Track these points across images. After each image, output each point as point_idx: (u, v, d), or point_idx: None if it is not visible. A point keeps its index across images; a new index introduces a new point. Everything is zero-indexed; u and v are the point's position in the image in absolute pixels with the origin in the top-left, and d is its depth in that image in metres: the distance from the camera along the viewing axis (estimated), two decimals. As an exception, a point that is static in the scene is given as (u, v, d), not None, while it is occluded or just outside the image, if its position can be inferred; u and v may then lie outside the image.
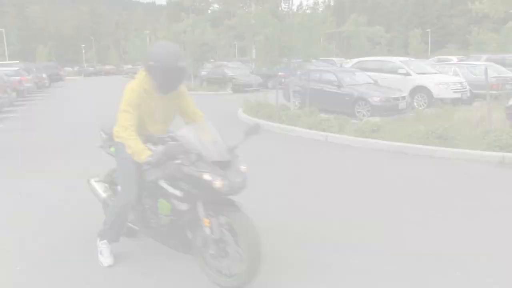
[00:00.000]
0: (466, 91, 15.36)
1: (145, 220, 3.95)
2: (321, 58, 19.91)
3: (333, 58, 31.79)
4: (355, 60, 19.13)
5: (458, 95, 14.96)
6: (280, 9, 13.45)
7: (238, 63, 29.29)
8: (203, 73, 27.59)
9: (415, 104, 14.67)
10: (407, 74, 15.56)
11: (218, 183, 3.25)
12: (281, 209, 5.55)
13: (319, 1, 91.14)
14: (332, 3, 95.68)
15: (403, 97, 13.43)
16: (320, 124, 10.73)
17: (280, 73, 16.31)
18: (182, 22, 27.60)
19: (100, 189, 4.48)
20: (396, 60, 17.44)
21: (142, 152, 3.45)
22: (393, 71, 15.93)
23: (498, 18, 9.57)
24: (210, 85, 25.96)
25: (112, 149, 4.13)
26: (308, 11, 14.44)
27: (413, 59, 20.10)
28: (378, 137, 9.50)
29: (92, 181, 4.57)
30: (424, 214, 5.32)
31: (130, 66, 61.43)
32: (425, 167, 7.76)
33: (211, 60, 28.34)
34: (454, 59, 29.37)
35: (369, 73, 15.40)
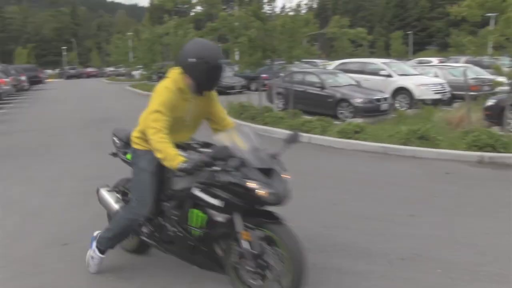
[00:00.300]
0: (447, 92, 15.56)
1: (165, 234, 3.62)
2: (304, 60, 19.98)
3: (316, 60, 31.94)
4: (338, 61, 19.26)
5: (438, 96, 15.13)
6: (262, 11, 13.42)
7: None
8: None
9: (396, 105, 14.81)
10: (389, 75, 15.71)
11: (264, 192, 2.99)
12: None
13: (302, 3, 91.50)
14: (315, 5, 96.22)
15: (385, 99, 13.55)
16: (303, 126, 10.77)
17: (263, 75, 16.32)
18: (165, 24, 27.45)
19: (111, 199, 4.10)
20: (378, 61, 17.60)
21: (175, 158, 3.09)
22: (375, 72, 16.08)
23: (476, 21, 9.74)
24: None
25: (128, 156, 3.88)
26: (291, 13, 14.42)
27: (394, 60, 20.28)
28: (361, 138, 9.56)
29: (103, 191, 4.19)
30: (405, 214, 5.36)
31: (112, 69, 60.96)
32: (407, 167, 7.84)
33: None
34: (435, 60, 29.75)
35: (351, 75, 15.52)
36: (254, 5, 13.28)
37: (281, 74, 14.77)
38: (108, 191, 4.19)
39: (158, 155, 3.19)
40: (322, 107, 13.54)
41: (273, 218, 3.16)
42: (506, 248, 4.35)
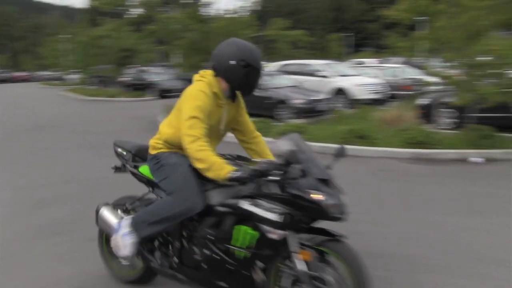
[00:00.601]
0: (384, 92, 16.08)
1: (190, 258, 3.10)
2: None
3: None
4: (278, 63, 19.47)
5: (376, 96, 15.61)
6: (199, 13, 13.40)
7: (162, 68, 28.90)
8: (124, 78, 26.89)
9: (335, 105, 15.14)
10: (328, 76, 16.05)
11: (330, 204, 2.62)
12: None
13: (243, 5, 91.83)
14: (257, 7, 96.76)
15: (324, 99, 13.81)
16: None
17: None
18: (101, 26, 26.80)
19: (116, 219, 3.39)
20: (318, 63, 17.95)
21: (223, 166, 2.72)
22: (315, 74, 16.38)
23: (408, 24, 10.22)
24: (132, 91, 25.32)
25: (143, 170, 3.39)
26: (230, 15, 14.49)
27: (333, 62, 20.76)
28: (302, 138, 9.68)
29: (105, 210, 3.48)
30: (354, 211, 5.45)
31: (48, 73, 58.28)
32: (346, 165, 7.99)
33: (133, 65, 27.74)
34: (373, 61, 30.73)
35: (291, 76, 15.73)
36: (192, 7, 13.22)
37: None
38: (111, 209, 3.51)
39: (200, 165, 2.81)
40: (263, 108, 13.60)
41: (329, 235, 2.78)
42: (441, 239, 4.55)
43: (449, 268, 3.94)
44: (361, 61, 31.62)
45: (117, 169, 3.71)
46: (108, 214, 3.45)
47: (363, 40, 77.30)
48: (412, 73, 18.26)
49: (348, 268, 2.65)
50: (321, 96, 13.81)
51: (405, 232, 4.80)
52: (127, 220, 3.20)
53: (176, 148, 3.13)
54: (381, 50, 41.73)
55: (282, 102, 13.39)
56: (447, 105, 10.25)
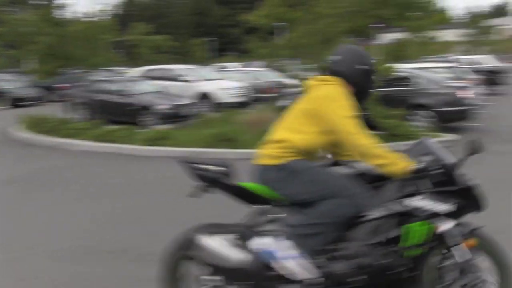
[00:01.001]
0: (247, 95, 16.54)
1: (342, 274, 2.83)
2: (107, 68, 19.32)
3: (120, 68, 31.13)
4: (141, 69, 19.06)
5: (240, 99, 16.01)
6: (53, 16, 12.60)
7: (13, 75, 26.59)
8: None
9: (200, 109, 15.19)
10: (192, 81, 16.09)
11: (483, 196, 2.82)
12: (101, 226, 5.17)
13: (103, 9, 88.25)
14: (118, 11, 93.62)
15: (189, 104, 13.81)
16: (108, 136, 10.37)
17: (64, 85, 15.32)
18: None
19: (225, 247, 2.93)
20: (181, 68, 17.94)
21: (401, 160, 2.77)
22: (179, 79, 16.33)
23: (268, 30, 10.65)
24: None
25: (251, 186, 2.98)
26: (89, 19, 13.82)
27: (197, 66, 20.89)
28: (167, 144, 9.58)
29: (208, 240, 2.96)
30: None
31: None
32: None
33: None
34: (236, 65, 31.47)
35: (156, 82, 15.49)
36: (45, 9, 12.39)
37: (83, 83, 14.02)
38: (215, 238, 2.98)
39: (378, 161, 2.79)
40: (127, 115, 13.21)
41: (471, 223, 2.92)
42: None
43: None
44: (224, 65, 32.20)
45: (204, 188, 3.04)
46: (210, 244, 2.96)
47: (227, 45, 78.80)
48: (274, 77, 19.03)
49: (498, 258, 2.80)
50: (185, 101, 13.80)
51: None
52: (282, 241, 2.85)
53: (303, 154, 2.95)
54: (244, 54, 42.97)
55: (145, 108, 13.09)
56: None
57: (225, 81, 17.36)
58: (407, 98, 10.77)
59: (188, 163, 3.06)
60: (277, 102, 12.41)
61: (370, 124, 9.33)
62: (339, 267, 2.83)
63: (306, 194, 2.88)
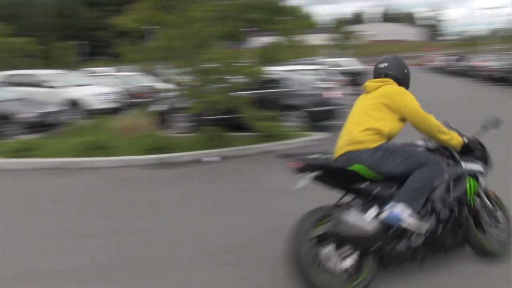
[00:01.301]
0: (120, 100, 16.00)
1: (444, 233, 3.71)
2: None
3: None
4: (1, 74, 17.52)
5: (112, 105, 15.42)
6: None
7: None
8: None
9: (70, 117, 14.36)
10: (58, 87, 15.15)
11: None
12: None
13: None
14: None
15: (56, 111, 12.96)
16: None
17: None
18: None
19: (360, 220, 3.37)
20: (46, 73, 16.81)
21: (457, 135, 3.86)
22: (43, 84, 15.27)
23: (138, 33, 10.38)
24: None
25: (358, 167, 3.51)
26: None
27: (64, 71, 19.74)
28: (35, 155, 8.88)
29: (354, 213, 3.40)
30: (112, 224, 5.23)
31: None
32: (89, 178, 7.70)
33: None
34: (109, 70, 30.27)
35: (19, 88, 14.31)
36: None
37: None
38: (356, 211, 3.46)
39: (445, 137, 3.77)
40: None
41: None
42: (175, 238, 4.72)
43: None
44: (95, 70, 30.81)
45: (308, 179, 3.44)
46: (357, 216, 3.40)
47: (97, 49, 75.62)
48: (147, 81, 18.66)
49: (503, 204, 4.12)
50: (52, 108, 12.89)
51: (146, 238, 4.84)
52: (399, 206, 3.42)
53: (388, 137, 3.67)
54: (116, 58, 41.66)
55: (5, 117, 12.00)
56: (182, 110, 10.69)
57: (96, 86, 16.58)
58: (279, 100, 11.13)
59: (289, 157, 3.50)
60: (150, 107, 12.17)
61: (244, 126, 9.60)
62: (433, 221, 3.59)
63: (401, 167, 3.53)
